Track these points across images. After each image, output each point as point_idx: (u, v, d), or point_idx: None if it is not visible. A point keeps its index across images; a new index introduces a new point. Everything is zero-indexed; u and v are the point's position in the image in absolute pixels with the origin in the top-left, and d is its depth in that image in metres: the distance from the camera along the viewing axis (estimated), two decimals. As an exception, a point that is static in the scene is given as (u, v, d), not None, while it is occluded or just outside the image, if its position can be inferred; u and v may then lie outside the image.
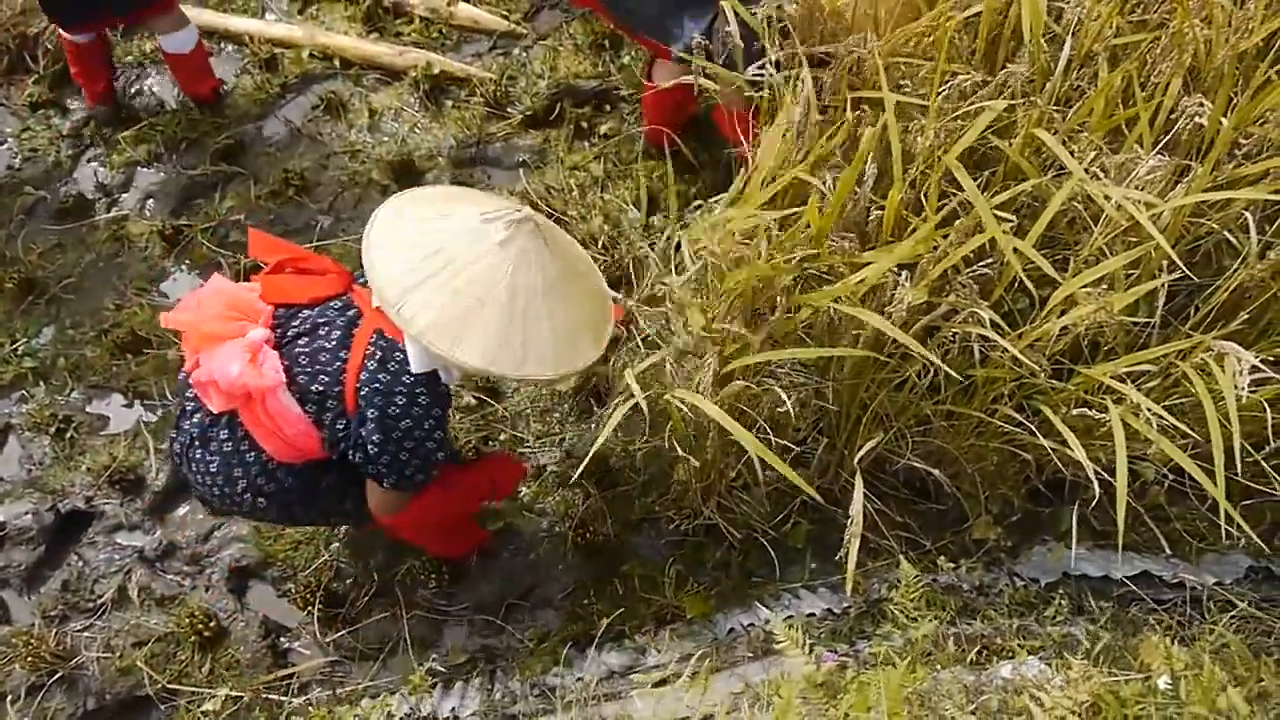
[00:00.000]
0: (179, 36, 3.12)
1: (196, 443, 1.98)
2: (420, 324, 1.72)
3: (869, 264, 1.80)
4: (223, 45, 3.52)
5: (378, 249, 1.78)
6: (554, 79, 3.32)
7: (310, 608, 2.47)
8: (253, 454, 1.94)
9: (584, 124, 3.21)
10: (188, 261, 3.08)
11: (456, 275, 1.74)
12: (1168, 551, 2.39)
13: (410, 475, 1.92)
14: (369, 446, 1.86)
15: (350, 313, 1.91)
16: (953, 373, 1.95)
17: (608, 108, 3.24)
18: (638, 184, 3.05)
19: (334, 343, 1.87)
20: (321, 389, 1.85)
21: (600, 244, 2.91)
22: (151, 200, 3.22)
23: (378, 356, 1.83)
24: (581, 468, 2.03)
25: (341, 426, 1.88)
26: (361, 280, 1.97)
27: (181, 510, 2.68)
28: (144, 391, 2.85)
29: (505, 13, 3.53)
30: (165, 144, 3.30)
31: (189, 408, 2.00)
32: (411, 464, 1.90)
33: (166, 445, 2.73)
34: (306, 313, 1.91)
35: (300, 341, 1.88)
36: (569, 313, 1.84)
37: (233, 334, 1.82)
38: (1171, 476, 2.35)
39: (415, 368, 1.82)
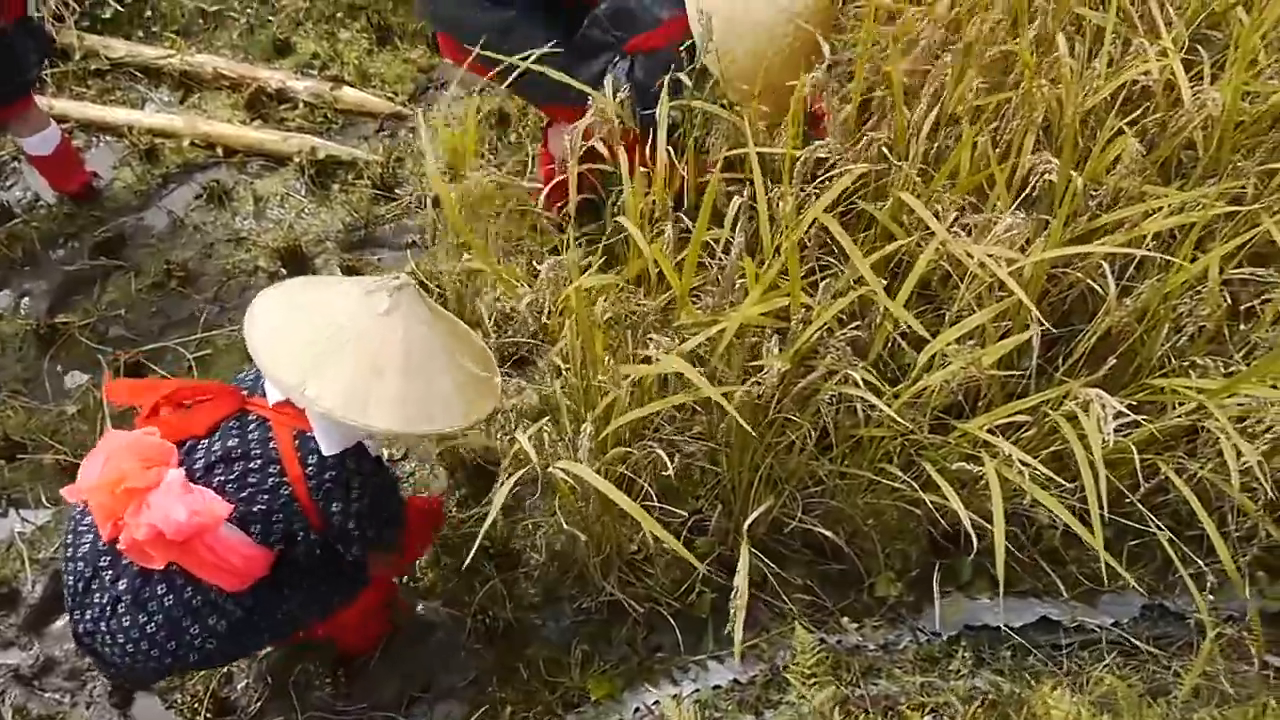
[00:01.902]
0: (35, 139, 3.05)
1: (124, 610, 1.87)
2: (327, 402, 1.75)
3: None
4: (100, 137, 3.46)
5: (264, 341, 1.81)
6: (441, 160, 3.31)
7: (199, 717, 2.35)
8: (199, 597, 1.88)
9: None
10: (64, 360, 2.98)
11: (352, 349, 1.79)
12: (1065, 595, 2.42)
13: (397, 531, 2.05)
14: (355, 534, 1.92)
15: (253, 427, 1.88)
16: (805, 426, 1.96)
17: (496, 186, 3.24)
18: (529, 258, 3.05)
19: (258, 461, 1.85)
20: (263, 507, 1.84)
21: (493, 321, 2.89)
22: (26, 299, 3.11)
23: (313, 459, 1.85)
24: (473, 549, 1.99)
25: (302, 536, 1.89)
26: (247, 390, 1.95)
27: (59, 623, 2.54)
28: (18, 499, 2.72)
29: (391, 94, 3.53)
30: (41, 240, 3.20)
31: (105, 577, 1.89)
32: (393, 524, 2.02)
33: (62, 555, 2.61)
34: (205, 442, 1.87)
35: (216, 471, 1.84)
36: (464, 364, 1.92)
37: (152, 483, 1.74)
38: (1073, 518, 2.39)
39: (328, 449, 1.84)
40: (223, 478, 1.83)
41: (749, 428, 1.97)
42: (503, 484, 1.84)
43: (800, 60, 2.27)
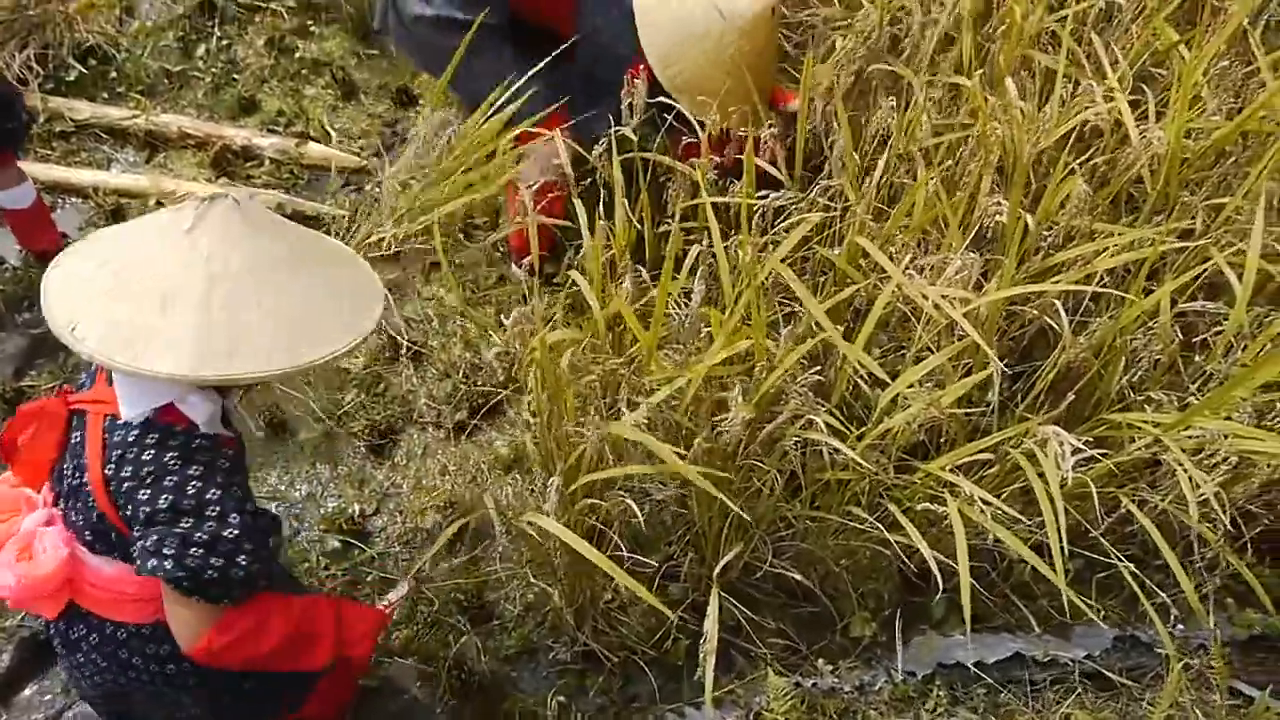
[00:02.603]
0: (14, 192, 3.05)
1: (76, 656, 1.73)
2: (93, 341, 1.43)
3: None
4: (66, 199, 3.46)
5: (54, 293, 1.49)
6: (408, 213, 3.33)
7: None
8: (123, 631, 1.69)
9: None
10: (31, 424, 2.95)
11: (137, 279, 1.48)
12: (1037, 630, 2.43)
13: (211, 568, 1.50)
14: (147, 546, 1.50)
15: (84, 426, 1.61)
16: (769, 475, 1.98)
17: (462, 235, 3.27)
18: (496, 308, 3.07)
19: (78, 468, 1.58)
20: (84, 522, 1.58)
21: (462, 373, 2.91)
22: (-8, 363, 3.10)
23: (115, 449, 1.52)
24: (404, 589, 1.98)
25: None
26: (79, 385, 1.73)
27: (28, 691, 2.50)
28: (-16, 567, 2.68)
29: (357, 150, 3.56)
30: (6, 303, 3.19)
31: (50, 630, 1.78)
32: (200, 549, 1.50)
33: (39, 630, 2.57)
34: (65, 465, 1.65)
35: (69, 496, 1.65)
36: (298, 294, 1.54)
37: (8, 535, 1.61)
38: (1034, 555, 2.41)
39: (128, 412, 1.51)
40: (71, 500, 1.60)
41: (717, 473, 1.98)
42: (448, 527, 1.83)
43: (748, 65, 2.43)
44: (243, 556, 1.54)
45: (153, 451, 1.50)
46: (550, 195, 2.39)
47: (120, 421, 1.52)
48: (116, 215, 3.37)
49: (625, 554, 2.12)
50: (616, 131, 2.13)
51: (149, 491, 1.49)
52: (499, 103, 2.70)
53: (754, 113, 2.52)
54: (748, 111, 2.51)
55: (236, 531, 1.53)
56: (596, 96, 2.66)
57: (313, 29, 3.87)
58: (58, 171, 3.47)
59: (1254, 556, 2.46)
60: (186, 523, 1.50)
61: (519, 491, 2.10)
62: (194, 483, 1.52)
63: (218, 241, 1.48)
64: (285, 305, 1.52)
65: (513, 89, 2.66)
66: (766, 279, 2.04)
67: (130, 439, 1.51)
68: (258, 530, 1.58)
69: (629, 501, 1.96)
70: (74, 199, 3.46)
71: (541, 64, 2.61)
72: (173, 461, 1.51)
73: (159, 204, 3.39)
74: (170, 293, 1.45)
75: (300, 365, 1.52)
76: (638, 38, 2.50)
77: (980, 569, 2.41)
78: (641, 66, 2.51)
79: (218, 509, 1.53)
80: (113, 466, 1.52)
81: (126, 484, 1.50)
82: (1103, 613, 2.17)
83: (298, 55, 3.80)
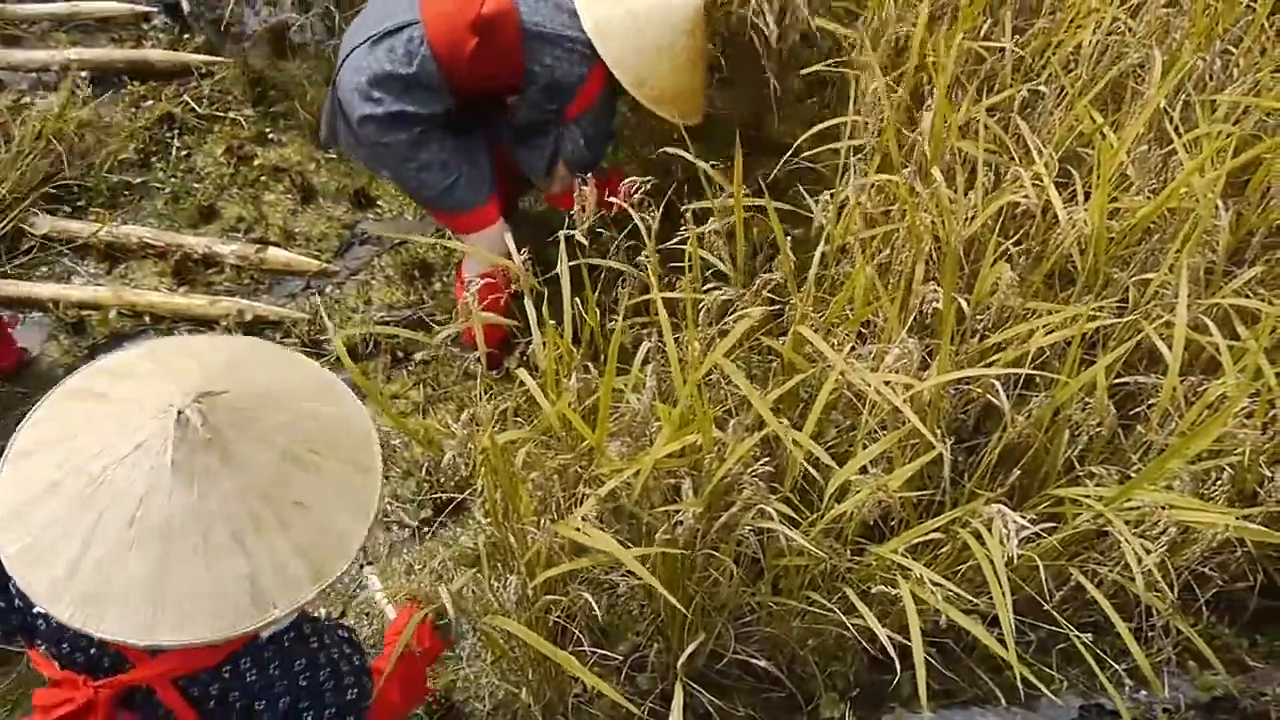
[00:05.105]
0: None
1: None
2: (167, 634, 1.27)
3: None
4: (27, 314, 3.48)
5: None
6: (368, 312, 3.39)
7: None
8: None
9: (400, 352, 3.28)
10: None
11: (156, 525, 1.30)
12: (1003, 703, 2.46)
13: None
14: None
15: None
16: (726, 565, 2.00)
17: (422, 334, 3.32)
18: (459, 405, 3.11)
19: None
20: None
21: (424, 470, 2.93)
22: (-48, 481, 3.08)
23: (236, 688, 1.46)
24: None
25: None
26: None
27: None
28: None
29: (316, 252, 3.62)
30: (-33, 421, 3.19)
31: None
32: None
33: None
34: None
35: None
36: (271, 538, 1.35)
37: None
38: (995, 629, 2.44)
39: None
40: None
41: (675, 555, 2.01)
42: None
43: (696, 60, 2.79)
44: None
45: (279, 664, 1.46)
46: (492, 295, 2.44)
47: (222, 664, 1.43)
48: (78, 328, 3.39)
49: (590, 648, 2.14)
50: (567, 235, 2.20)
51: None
52: (447, 188, 2.83)
53: (699, 104, 2.90)
54: (703, 105, 2.91)
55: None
56: (540, 132, 2.89)
57: (271, 136, 3.96)
58: (17, 286, 3.49)
59: (1213, 616, 2.51)
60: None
61: (482, 590, 2.11)
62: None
63: (219, 464, 1.32)
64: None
65: (457, 174, 2.82)
66: (715, 371, 2.10)
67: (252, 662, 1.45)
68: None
69: (586, 596, 1.99)
70: (35, 313, 3.48)
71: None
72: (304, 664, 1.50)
73: (120, 314, 3.42)
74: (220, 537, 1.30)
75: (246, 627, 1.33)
76: (580, 64, 2.71)
77: (943, 644, 2.45)
78: (590, 84, 2.74)
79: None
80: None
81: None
82: (1066, 683, 2.19)
83: (257, 162, 3.87)
